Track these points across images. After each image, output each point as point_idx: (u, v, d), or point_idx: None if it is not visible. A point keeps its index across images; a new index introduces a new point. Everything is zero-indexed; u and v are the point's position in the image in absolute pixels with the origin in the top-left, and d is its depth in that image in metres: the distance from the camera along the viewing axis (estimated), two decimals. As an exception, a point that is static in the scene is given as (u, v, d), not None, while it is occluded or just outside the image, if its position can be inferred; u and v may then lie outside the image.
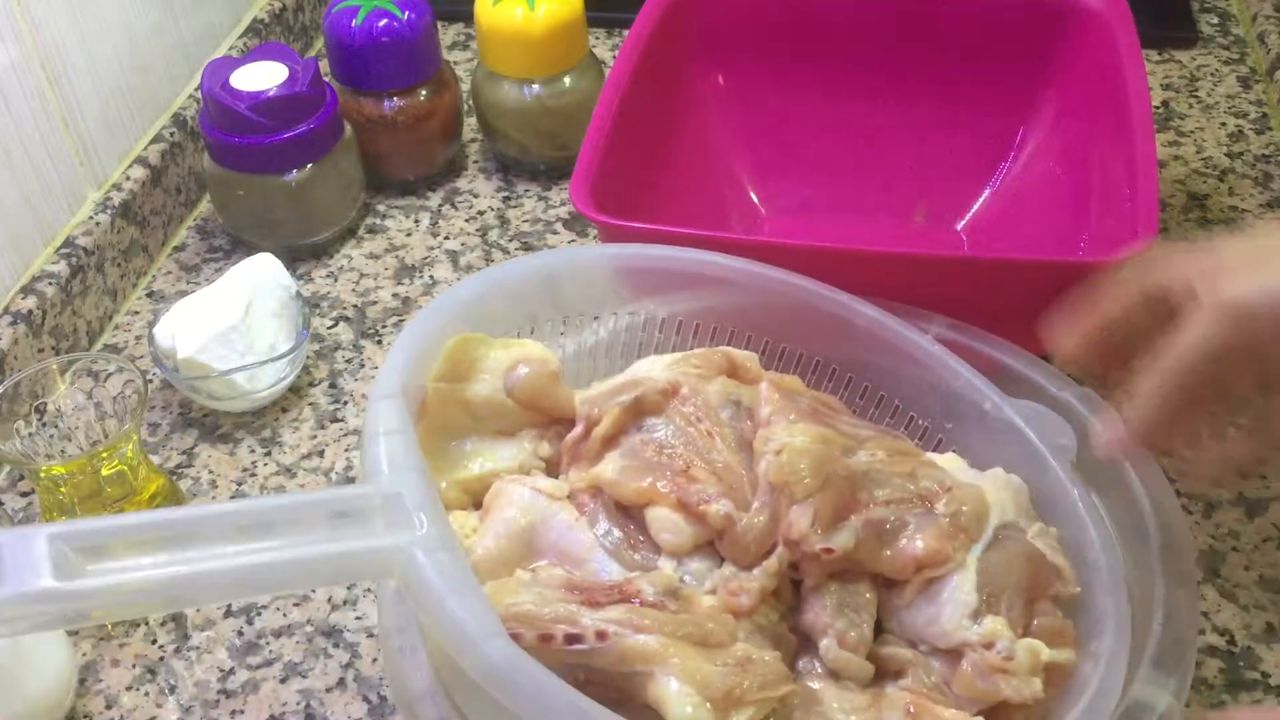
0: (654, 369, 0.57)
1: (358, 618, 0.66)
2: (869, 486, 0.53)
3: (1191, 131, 0.95)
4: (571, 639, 0.45)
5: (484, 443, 0.56)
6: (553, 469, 0.57)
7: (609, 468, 0.53)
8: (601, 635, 0.46)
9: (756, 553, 0.51)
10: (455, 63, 0.98)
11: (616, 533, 0.52)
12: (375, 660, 0.64)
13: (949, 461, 0.58)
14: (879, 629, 0.53)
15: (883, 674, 0.52)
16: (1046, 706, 0.50)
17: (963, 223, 0.86)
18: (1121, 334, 0.51)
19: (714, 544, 0.52)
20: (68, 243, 0.80)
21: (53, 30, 0.79)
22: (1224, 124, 0.95)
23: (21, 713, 0.59)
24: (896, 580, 0.52)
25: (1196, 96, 0.98)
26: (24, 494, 0.73)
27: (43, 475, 0.62)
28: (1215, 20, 1.06)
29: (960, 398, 0.60)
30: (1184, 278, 0.47)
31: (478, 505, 0.56)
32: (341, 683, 0.63)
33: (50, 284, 0.77)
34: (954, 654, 0.51)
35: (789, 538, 0.51)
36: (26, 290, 0.77)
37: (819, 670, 0.51)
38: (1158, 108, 0.97)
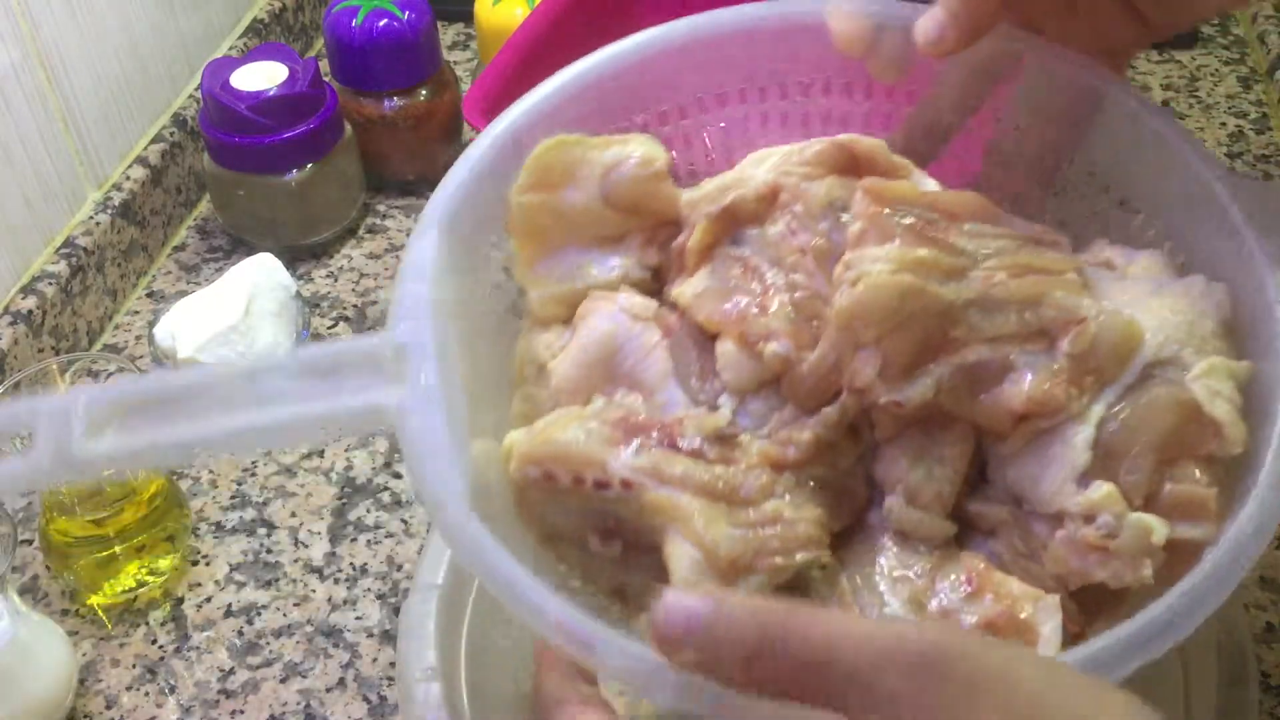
0: (760, 166, 0.49)
1: (358, 618, 0.66)
2: (971, 321, 0.43)
3: (1192, 131, 0.95)
4: (600, 484, 0.42)
5: (586, 253, 0.49)
6: (664, 278, 0.50)
7: (690, 288, 0.47)
8: (627, 484, 0.42)
9: (818, 399, 0.44)
10: (455, 63, 0.98)
11: (692, 361, 0.46)
12: (375, 660, 0.64)
13: (1147, 262, 0.47)
14: (983, 476, 0.45)
15: (974, 531, 0.45)
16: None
17: None
18: None
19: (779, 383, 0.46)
20: (68, 243, 0.80)
21: (52, 30, 0.79)
22: (1224, 124, 0.95)
23: (21, 712, 0.59)
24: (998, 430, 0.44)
25: (1196, 96, 0.98)
26: (23, 494, 0.73)
27: (43, 475, 0.62)
28: (1215, 20, 1.06)
29: (1176, 170, 0.47)
30: None
31: None
32: (341, 683, 0.63)
33: (50, 284, 0.77)
34: (1058, 520, 0.43)
35: (852, 386, 0.43)
36: (26, 290, 0.77)
37: (888, 525, 0.44)
38: (1158, 108, 0.97)
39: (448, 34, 1.09)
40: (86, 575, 0.65)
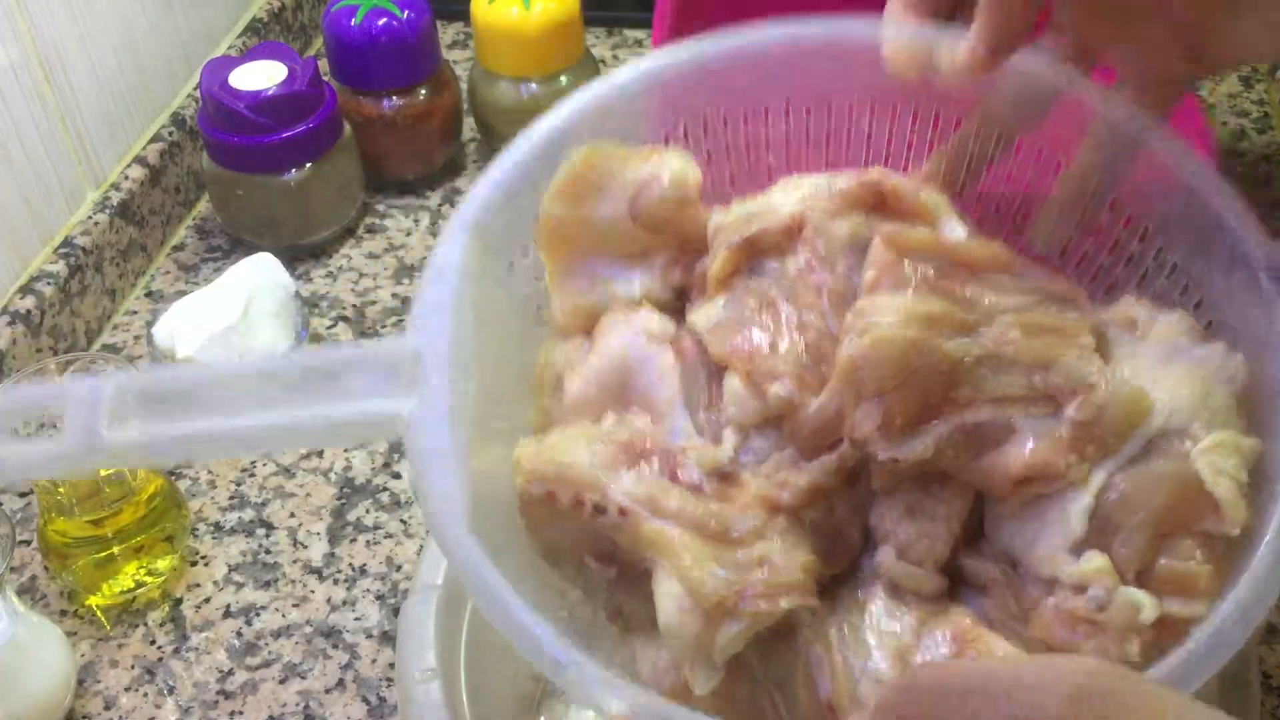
0: (789, 196, 0.48)
1: (357, 618, 0.66)
2: (977, 380, 0.43)
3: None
4: (598, 510, 0.42)
5: (610, 267, 0.49)
6: (686, 298, 0.50)
7: (706, 316, 0.46)
8: (623, 512, 0.42)
9: (818, 445, 0.44)
10: (455, 62, 0.98)
11: (702, 390, 0.46)
12: (375, 661, 0.64)
13: (1168, 326, 0.45)
14: (979, 532, 0.45)
15: (966, 587, 0.44)
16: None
17: None
18: None
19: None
20: (66, 242, 0.80)
21: (52, 30, 0.78)
22: (1225, 123, 0.95)
23: (20, 713, 0.58)
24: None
25: (1198, 96, 0.98)
26: (22, 494, 0.73)
27: (41, 475, 0.62)
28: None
29: (1208, 221, 0.46)
30: None
31: None
32: (341, 683, 0.63)
33: (49, 284, 0.77)
34: (1050, 586, 0.42)
35: (852, 438, 0.43)
36: (25, 290, 0.77)
37: (879, 576, 0.44)
38: (1158, 107, 0.97)
39: (447, 33, 1.09)
40: (85, 576, 0.65)
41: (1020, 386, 0.43)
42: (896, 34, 0.47)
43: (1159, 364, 0.44)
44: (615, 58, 1.05)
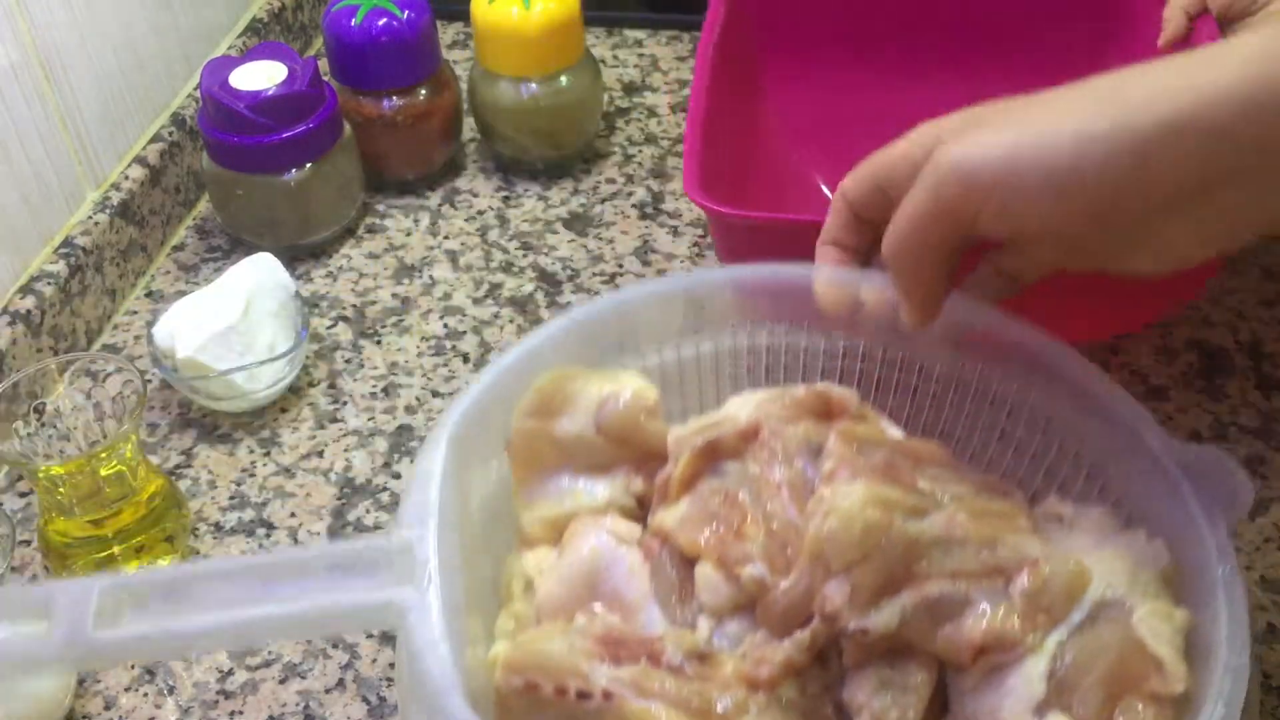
0: (743, 407, 0.54)
1: (357, 618, 0.66)
2: (933, 556, 0.47)
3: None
4: (582, 695, 0.45)
5: (577, 479, 0.54)
6: (647, 506, 0.55)
7: (673, 515, 0.51)
8: (608, 695, 0.45)
9: (790, 623, 0.48)
10: (455, 62, 0.98)
11: (672, 584, 0.50)
12: (375, 661, 0.64)
13: (1092, 520, 0.51)
14: (946, 708, 0.48)
15: None
16: None
17: None
18: (869, 222, 0.52)
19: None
20: (66, 242, 0.80)
21: (52, 30, 0.79)
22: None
23: (21, 713, 0.59)
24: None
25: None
26: (23, 494, 0.73)
27: (41, 475, 0.62)
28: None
29: (1119, 430, 0.51)
30: (907, 155, 0.49)
31: None
32: (341, 684, 0.63)
33: (49, 284, 0.77)
34: None
35: (823, 613, 0.47)
36: (25, 290, 0.77)
37: None
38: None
39: (447, 33, 1.09)
40: (85, 576, 0.65)
41: (972, 562, 0.47)
42: (827, 276, 0.53)
43: (1090, 548, 0.49)
44: (615, 58, 1.05)
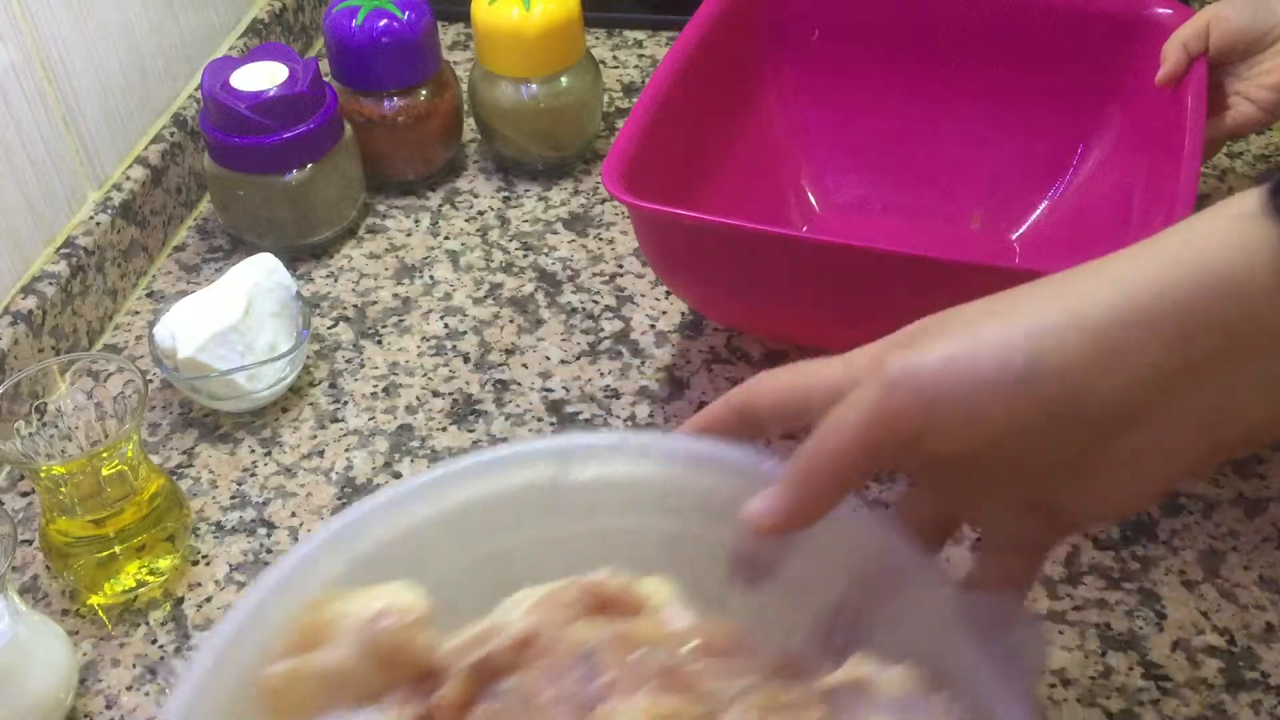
0: (516, 611, 0.49)
1: (358, 617, 0.66)
2: None
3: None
4: None
5: (348, 716, 0.48)
6: None
7: None
8: None
9: None
10: (455, 63, 0.98)
11: None
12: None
13: (896, 678, 0.49)
14: None
15: None
16: None
17: (1018, 233, 0.84)
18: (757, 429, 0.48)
19: None
20: (68, 243, 0.80)
21: (53, 30, 0.79)
22: (1224, 124, 0.95)
23: (22, 712, 0.59)
24: None
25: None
26: (24, 494, 0.73)
27: (43, 475, 0.62)
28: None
29: (918, 597, 0.50)
30: (836, 375, 0.45)
31: None
32: (341, 682, 0.63)
33: (50, 284, 0.77)
34: None
35: None
36: (27, 290, 0.77)
37: None
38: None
39: (448, 34, 1.09)
40: (86, 575, 0.65)
41: None
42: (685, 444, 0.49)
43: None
44: (615, 58, 1.05)
